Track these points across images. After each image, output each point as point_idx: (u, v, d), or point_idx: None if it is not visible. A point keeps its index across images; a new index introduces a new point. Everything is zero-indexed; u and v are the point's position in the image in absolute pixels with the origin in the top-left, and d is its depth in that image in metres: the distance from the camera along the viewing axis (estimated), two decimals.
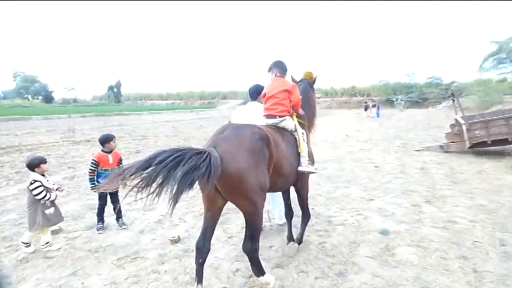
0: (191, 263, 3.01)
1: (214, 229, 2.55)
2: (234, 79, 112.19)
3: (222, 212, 3.86)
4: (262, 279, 2.46)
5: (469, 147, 7.70)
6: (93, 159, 3.79)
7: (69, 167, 7.34)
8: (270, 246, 3.30)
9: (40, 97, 63.17)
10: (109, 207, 3.96)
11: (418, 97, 37.27)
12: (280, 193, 3.53)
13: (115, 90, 66.30)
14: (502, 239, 3.26)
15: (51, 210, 3.37)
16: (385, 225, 3.70)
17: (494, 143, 7.46)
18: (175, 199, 1.99)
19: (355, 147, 9.47)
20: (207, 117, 27.22)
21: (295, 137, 2.95)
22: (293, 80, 3.50)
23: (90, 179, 3.80)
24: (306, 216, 3.32)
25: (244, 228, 2.46)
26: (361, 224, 3.80)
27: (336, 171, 6.49)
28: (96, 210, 3.88)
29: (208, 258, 3.07)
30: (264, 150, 2.37)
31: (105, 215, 4.08)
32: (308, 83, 3.55)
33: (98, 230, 3.78)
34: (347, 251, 3.14)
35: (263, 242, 3.37)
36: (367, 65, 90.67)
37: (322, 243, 3.33)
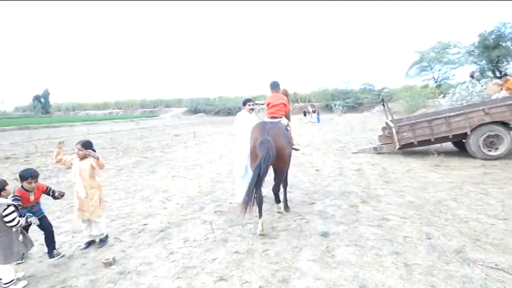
0: (128, 286, 2.79)
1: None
2: (178, 87, 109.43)
3: (163, 227, 3.86)
4: (280, 204, 4.46)
5: (399, 148, 8.37)
6: (15, 194, 3.10)
7: None
8: (213, 259, 3.19)
9: None
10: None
11: (354, 102, 40.00)
12: (248, 176, 4.39)
13: (42, 100, 60.00)
14: (428, 232, 3.54)
15: (21, 236, 2.94)
16: (326, 228, 3.81)
17: (420, 143, 8.20)
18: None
19: (296, 152, 9.72)
20: (149, 126, 26.10)
21: (288, 129, 4.55)
22: (286, 93, 5.09)
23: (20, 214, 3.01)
24: (285, 184, 4.69)
25: (274, 178, 4.22)
26: (303, 228, 3.87)
27: None
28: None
29: (146, 278, 2.90)
30: (288, 135, 4.33)
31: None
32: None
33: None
34: (290, 257, 3.15)
35: (206, 255, 3.26)
36: (307, 72, 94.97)
37: (266, 251, 3.31)
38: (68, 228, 4.22)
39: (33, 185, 3.21)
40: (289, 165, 4.49)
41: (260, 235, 3.68)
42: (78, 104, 63.47)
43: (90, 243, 3.67)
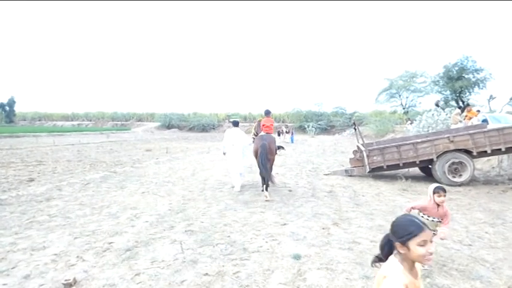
0: None
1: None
2: (151, 101, 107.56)
3: (130, 246, 3.72)
4: (266, 193, 6.40)
5: (369, 172, 8.61)
6: None
7: None
8: (181, 281, 3.07)
9: None
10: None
11: (327, 124, 41.12)
12: (240, 167, 7.18)
13: (7, 108, 57.18)
14: None
15: None
16: (298, 250, 3.80)
17: (389, 167, 8.50)
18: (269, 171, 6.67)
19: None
20: (119, 140, 25.31)
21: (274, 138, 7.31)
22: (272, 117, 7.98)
23: None
24: (270, 172, 6.88)
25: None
26: (275, 249, 3.83)
27: (252, 196, 6.57)
28: None
29: None
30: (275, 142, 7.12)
31: None
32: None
33: None
34: (261, 279, 3.10)
35: (174, 277, 3.13)
36: (282, 92, 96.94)
37: (236, 273, 3.23)
38: (26, 245, 3.93)
39: None
40: (274, 159, 7.03)
41: (231, 257, 3.61)
42: (45, 114, 60.69)
43: None
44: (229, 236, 4.25)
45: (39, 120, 58.71)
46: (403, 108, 34.81)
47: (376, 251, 3.65)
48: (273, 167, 7.23)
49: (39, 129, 39.54)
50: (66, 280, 2.99)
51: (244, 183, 8.02)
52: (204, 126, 43.64)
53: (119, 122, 54.06)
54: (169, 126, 46.40)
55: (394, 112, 36.21)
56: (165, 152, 15.82)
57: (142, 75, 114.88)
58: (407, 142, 8.40)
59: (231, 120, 8.33)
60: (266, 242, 4.09)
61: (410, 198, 6.47)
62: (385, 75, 46.54)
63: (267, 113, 7.55)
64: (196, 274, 3.21)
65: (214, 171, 9.73)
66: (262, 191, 6.63)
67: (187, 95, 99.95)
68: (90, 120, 56.83)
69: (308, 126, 38.51)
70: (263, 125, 7.31)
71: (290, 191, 7.14)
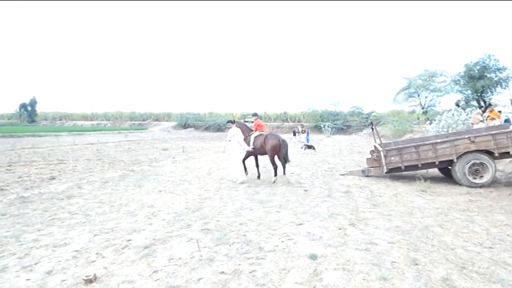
0: None
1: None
2: (168, 101, 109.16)
3: (148, 244, 3.77)
4: (274, 178, 8.15)
5: (386, 172, 8.46)
6: None
7: None
8: (198, 279, 3.10)
9: None
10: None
11: (343, 124, 40.59)
12: (239, 160, 8.25)
13: (29, 108, 59.36)
14: (415, 258, 3.53)
15: None
16: (314, 250, 3.77)
17: (407, 168, 8.32)
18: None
19: (286, 172, 9.75)
20: (137, 139, 25.81)
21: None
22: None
23: None
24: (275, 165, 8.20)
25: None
26: (291, 249, 3.82)
27: (268, 196, 6.56)
28: None
29: None
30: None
31: (3, 254, 3.51)
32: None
33: None
34: (277, 279, 3.09)
35: (191, 275, 3.17)
36: (298, 92, 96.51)
37: (252, 272, 3.24)
38: (48, 242, 4.06)
39: None
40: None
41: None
42: (66, 113, 62.76)
43: None
44: (245, 235, 4.27)
45: (59, 120, 60.61)
46: (422, 108, 33.96)
47: (394, 252, 3.60)
48: (288, 166, 8.89)
49: (60, 128, 40.82)
50: (86, 276, 3.07)
51: (259, 182, 8.04)
52: (220, 126, 43.95)
53: (137, 122, 55.18)
54: (185, 126, 46.95)
55: (413, 112, 35.38)
56: (181, 151, 16.02)
57: (159, 75, 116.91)
58: (427, 142, 8.20)
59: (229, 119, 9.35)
60: (282, 241, 4.08)
61: (428, 199, 6.33)
62: (403, 74, 45.59)
63: (256, 114, 9.70)
64: (213, 272, 3.23)
65: (230, 171, 9.77)
66: (274, 182, 8.02)
67: (203, 95, 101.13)
68: (109, 120, 58.26)
69: (324, 126, 38.16)
70: (259, 125, 8.89)
71: (306, 190, 7.10)
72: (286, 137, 14.02)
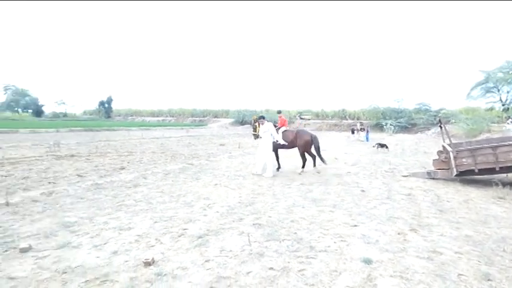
0: None
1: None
2: (226, 98, 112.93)
3: (202, 234, 3.89)
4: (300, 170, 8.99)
5: (456, 175, 7.69)
6: None
7: (49, 182, 7.08)
8: (247, 272, 3.13)
9: (30, 111, 62.24)
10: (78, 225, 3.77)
11: (407, 122, 37.68)
12: (267, 156, 8.51)
13: (106, 105, 66.04)
14: (487, 273, 3.16)
15: None
16: (368, 254, 3.58)
17: (482, 171, 7.47)
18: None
19: (342, 170, 9.43)
20: (197, 135, 27.07)
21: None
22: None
23: None
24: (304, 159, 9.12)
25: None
26: (343, 251, 3.67)
27: (322, 195, 6.40)
28: None
29: (181, 283, 2.93)
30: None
31: (79, 233, 3.93)
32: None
33: None
34: (328, 280, 3.00)
35: (241, 267, 3.21)
36: (357, 88, 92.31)
37: (302, 270, 3.18)
38: (115, 224, 4.44)
39: None
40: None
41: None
42: (136, 110, 68.50)
43: None
44: (295, 233, 4.21)
45: (131, 116, 66.18)
46: (503, 105, 30.23)
47: (462, 264, 3.26)
48: (345, 165, 9.81)
49: (131, 124, 44.64)
50: (146, 259, 3.30)
51: (312, 180, 7.89)
52: (276, 123, 43.92)
53: (197, 118, 57.87)
54: (242, 122, 47.88)
55: (491, 109, 31.66)
56: (237, 147, 16.40)
57: (219, 74, 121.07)
58: (508, 143, 7.26)
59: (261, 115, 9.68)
60: (334, 242, 3.94)
61: (507, 208, 5.62)
62: (479, 67, 41.02)
63: (280, 111, 11.00)
64: (262, 267, 3.24)
65: (284, 168, 9.74)
66: (300, 174, 8.87)
67: (260, 92, 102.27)
68: (173, 116, 62.01)
69: (386, 124, 36.00)
70: (285, 121, 10.03)
71: (363, 191, 6.77)
72: (343, 136, 13.48)
